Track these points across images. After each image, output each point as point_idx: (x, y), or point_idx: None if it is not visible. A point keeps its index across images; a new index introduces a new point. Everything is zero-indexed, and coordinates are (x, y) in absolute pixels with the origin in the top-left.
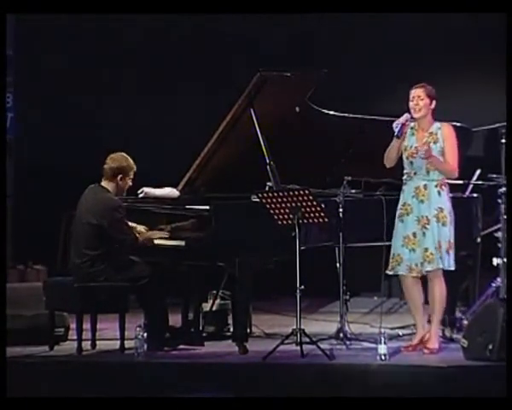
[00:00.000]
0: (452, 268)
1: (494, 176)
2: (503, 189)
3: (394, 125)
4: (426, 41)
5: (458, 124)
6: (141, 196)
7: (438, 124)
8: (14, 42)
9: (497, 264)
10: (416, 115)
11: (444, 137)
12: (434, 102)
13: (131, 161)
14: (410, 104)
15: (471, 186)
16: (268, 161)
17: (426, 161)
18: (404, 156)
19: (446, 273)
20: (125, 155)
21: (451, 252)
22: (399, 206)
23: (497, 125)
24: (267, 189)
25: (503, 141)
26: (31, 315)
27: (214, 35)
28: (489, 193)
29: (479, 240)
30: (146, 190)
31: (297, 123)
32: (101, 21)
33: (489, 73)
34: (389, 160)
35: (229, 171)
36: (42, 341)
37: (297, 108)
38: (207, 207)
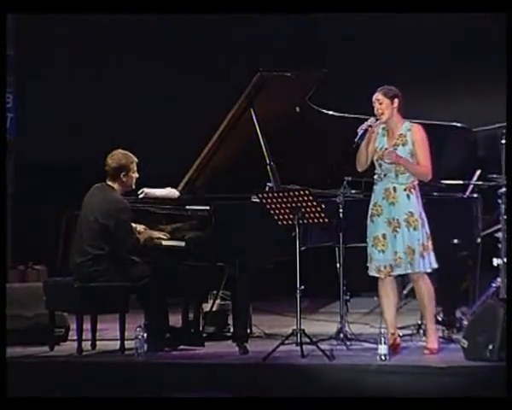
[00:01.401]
0: (429, 270)
1: (494, 176)
2: (503, 189)
3: (359, 129)
4: (426, 41)
5: (458, 124)
6: (141, 196)
7: (407, 124)
8: (14, 42)
9: (497, 264)
10: (380, 119)
11: (413, 139)
12: (396, 101)
13: (130, 155)
14: (374, 110)
15: (471, 186)
16: (268, 161)
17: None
18: (374, 158)
19: (446, 273)
20: (122, 151)
21: (428, 253)
22: (371, 206)
23: (497, 125)
24: (267, 189)
25: (503, 141)
26: (31, 315)
27: (214, 35)
28: (489, 193)
29: (479, 240)
30: (146, 190)
31: (297, 123)
32: (100, 21)
33: (489, 74)
34: (360, 164)
35: (230, 171)
36: (42, 341)
37: (297, 108)
38: (207, 208)
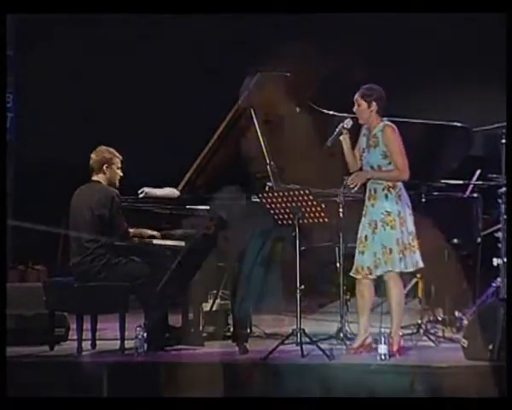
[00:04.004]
0: (410, 269)
1: (494, 176)
2: (503, 189)
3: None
4: (425, 41)
5: (458, 124)
6: (141, 196)
7: (381, 125)
8: (14, 42)
9: (497, 264)
10: (360, 121)
11: (385, 141)
12: (374, 104)
13: (113, 150)
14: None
15: (471, 186)
16: (268, 161)
17: (373, 164)
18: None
19: (446, 273)
20: (104, 147)
21: (410, 253)
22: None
23: (497, 125)
24: (267, 189)
25: (503, 141)
26: (31, 315)
27: (215, 35)
28: (489, 193)
29: (479, 240)
30: (146, 190)
31: (297, 123)
32: (101, 21)
33: (489, 74)
34: (349, 165)
35: (230, 171)
36: (42, 341)
37: (297, 109)
38: (207, 208)
